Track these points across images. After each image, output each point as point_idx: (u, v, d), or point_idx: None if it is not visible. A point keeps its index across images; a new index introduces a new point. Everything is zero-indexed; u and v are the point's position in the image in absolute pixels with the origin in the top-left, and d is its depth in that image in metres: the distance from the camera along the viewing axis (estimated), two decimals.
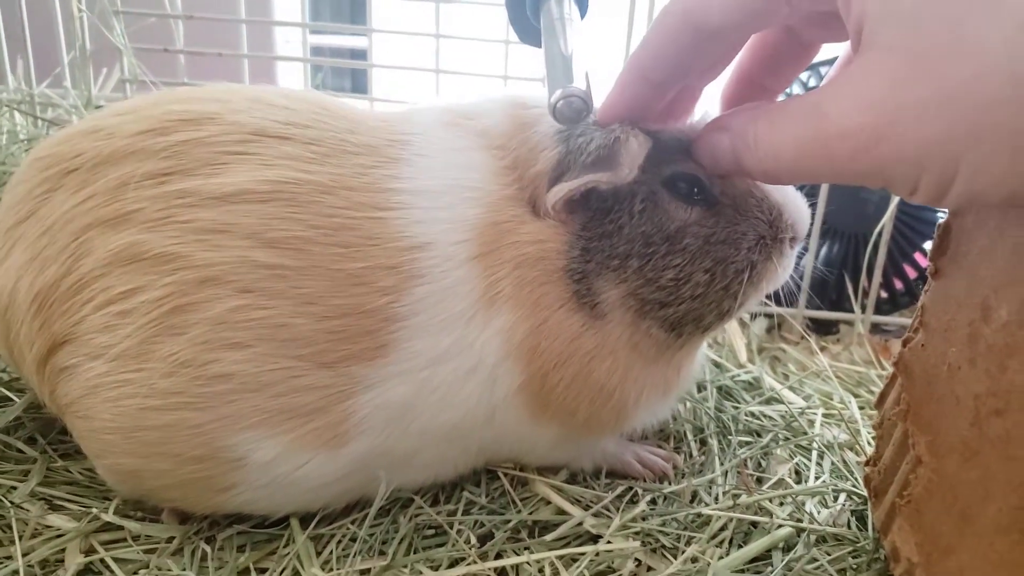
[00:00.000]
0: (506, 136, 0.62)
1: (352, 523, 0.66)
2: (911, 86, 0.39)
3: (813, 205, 1.01)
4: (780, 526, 0.65)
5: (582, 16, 0.61)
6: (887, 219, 1.05)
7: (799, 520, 0.67)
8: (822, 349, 1.07)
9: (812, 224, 0.84)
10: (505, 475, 0.71)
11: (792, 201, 0.65)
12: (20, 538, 0.61)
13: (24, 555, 0.59)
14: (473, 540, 0.63)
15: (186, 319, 0.54)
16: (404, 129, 0.62)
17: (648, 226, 0.60)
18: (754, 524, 0.67)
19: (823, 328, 1.18)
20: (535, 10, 0.62)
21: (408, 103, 1.22)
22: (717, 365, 0.94)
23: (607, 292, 0.61)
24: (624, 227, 0.60)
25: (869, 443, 0.80)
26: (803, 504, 0.70)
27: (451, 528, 0.65)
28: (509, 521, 0.66)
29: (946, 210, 0.57)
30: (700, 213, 0.61)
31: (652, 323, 0.62)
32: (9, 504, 0.64)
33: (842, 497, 0.71)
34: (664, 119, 0.61)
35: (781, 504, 0.70)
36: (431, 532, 0.66)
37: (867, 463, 0.67)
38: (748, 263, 0.62)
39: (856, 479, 0.74)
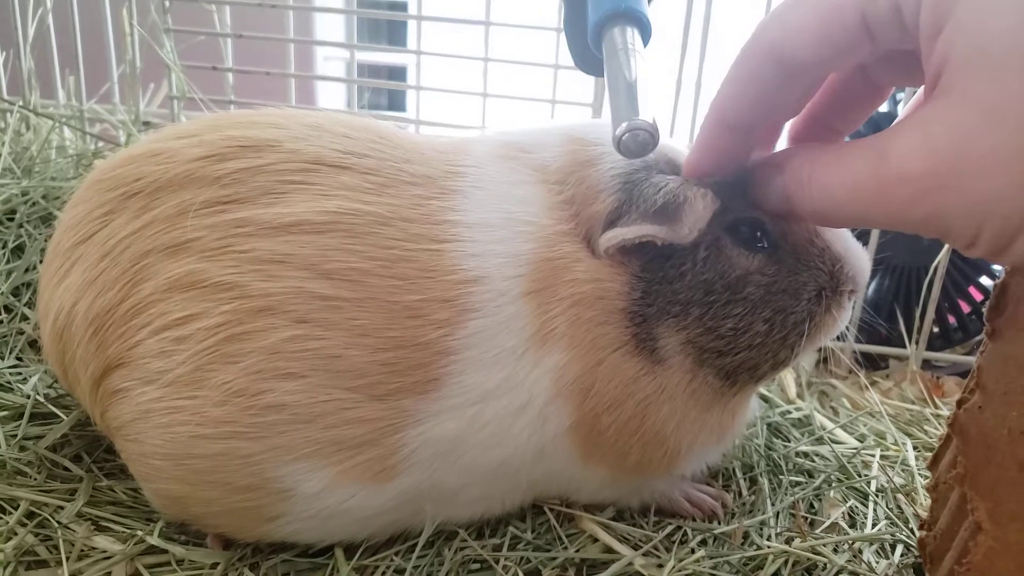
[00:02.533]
0: (564, 172, 0.62)
1: (396, 555, 0.64)
2: (981, 136, 0.38)
3: (866, 237, 0.99)
4: (839, 572, 0.63)
5: (644, 44, 0.60)
6: (943, 256, 1.02)
7: (855, 570, 0.65)
8: (872, 384, 1.04)
9: None
10: (551, 510, 0.70)
11: (854, 252, 0.63)
12: (67, 559, 0.61)
13: None
14: None
15: (241, 348, 0.54)
16: (460, 160, 0.62)
17: (711, 274, 0.59)
18: (808, 571, 0.65)
19: (872, 363, 1.15)
20: (596, 39, 0.61)
21: (451, 126, 1.23)
22: (766, 400, 0.91)
23: (667, 338, 0.60)
24: (687, 274, 0.59)
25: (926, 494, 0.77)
26: (860, 552, 0.67)
27: (496, 564, 0.64)
28: (556, 558, 0.64)
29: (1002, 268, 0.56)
30: (762, 261, 0.60)
31: (709, 371, 0.61)
32: (56, 524, 0.64)
33: (900, 548, 0.68)
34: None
35: (836, 551, 0.67)
36: (476, 567, 0.64)
37: (922, 526, 0.64)
38: (807, 314, 0.61)
39: (912, 529, 0.71)
